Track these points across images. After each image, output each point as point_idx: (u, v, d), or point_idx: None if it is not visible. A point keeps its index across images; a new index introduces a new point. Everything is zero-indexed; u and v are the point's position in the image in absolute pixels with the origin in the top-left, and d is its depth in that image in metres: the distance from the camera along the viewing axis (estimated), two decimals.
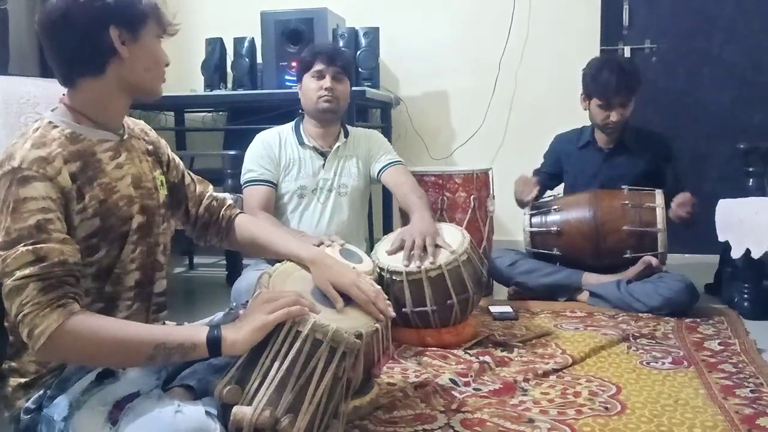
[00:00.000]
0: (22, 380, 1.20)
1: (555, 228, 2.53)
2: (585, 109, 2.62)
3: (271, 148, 2.25)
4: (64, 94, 1.23)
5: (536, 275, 2.54)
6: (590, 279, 2.49)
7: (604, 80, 2.48)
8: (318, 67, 2.20)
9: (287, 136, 2.29)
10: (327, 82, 2.19)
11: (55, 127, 1.18)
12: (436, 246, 1.96)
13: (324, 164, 2.26)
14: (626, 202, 2.44)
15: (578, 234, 2.50)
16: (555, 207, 2.56)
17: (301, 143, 2.26)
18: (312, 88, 2.21)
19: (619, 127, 2.55)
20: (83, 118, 1.20)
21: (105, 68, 1.18)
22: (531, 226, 2.59)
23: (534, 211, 2.59)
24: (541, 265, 2.56)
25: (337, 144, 2.28)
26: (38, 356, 1.12)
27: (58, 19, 1.15)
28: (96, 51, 1.17)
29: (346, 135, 2.32)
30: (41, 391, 1.18)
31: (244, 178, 2.24)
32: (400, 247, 1.98)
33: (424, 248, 1.94)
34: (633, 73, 2.53)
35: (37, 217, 1.07)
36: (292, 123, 2.34)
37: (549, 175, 2.79)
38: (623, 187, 2.49)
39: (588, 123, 2.70)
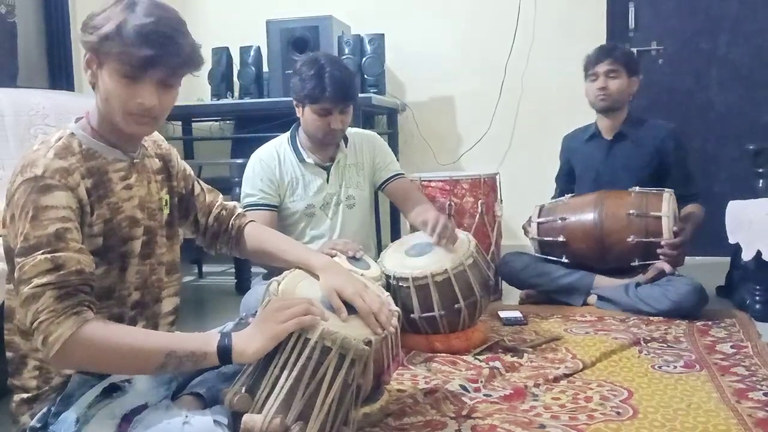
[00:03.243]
0: (25, 395, 1.20)
1: (561, 237, 2.51)
2: (587, 96, 2.64)
3: (270, 169, 2.16)
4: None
5: (549, 278, 2.54)
6: (603, 282, 2.48)
7: (588, 54, 2.63)
8: (324, 105, 2.04)
9: (285, 152, 2.20)
10: (335, 122, 2.07)
11: (76, 139, 1.19)
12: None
13: (328, 178, 2.20)
14: (631, 210, 2.38)
15: (583, 243, 2.47)
16: (561, 216, 2.53)
17: (302, 160, 2.18)
18: (317, 126, 2.09)
19: (610, 98, 2.55)
20: (98, 135, 1.21)
21: (95, 84, 1.19)
22: (539, 235, 2.58)
23: (541, 219, 2.58)
24: (553, 268, 2.55)
25: (338, 156, 2.22)
26: (53, 363, 1.12)
27: None
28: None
29: (346, 143, 2.25)
30: (45, 408, 1.18)
31: (243, 201, 2.14)
32: (424, 224, 2.01)
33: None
34: (617, 47, 2.65)
35: (56, 225, 1.08)
36: (287, 135, 2.23)
37: (567, 177, 2.81)
38: (631, 189, 2.46)
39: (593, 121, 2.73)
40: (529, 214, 2.70)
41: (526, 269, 2.58)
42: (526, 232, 2.67)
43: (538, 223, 2.58)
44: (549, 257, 2.57)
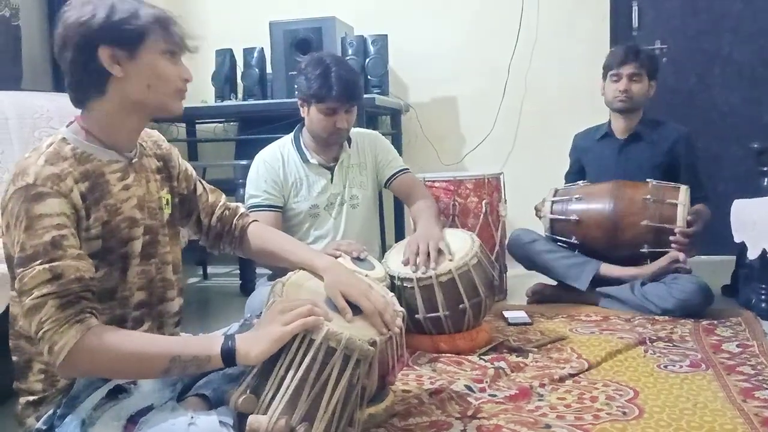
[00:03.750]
0: (31, 398, 1.21)
1: (574, 217, 2.52)
2: (602, 94, 2.66)
3: (274, 170, 2.16)
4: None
5: (555, 256, 2.54)
6: (609, 270, 2.48)
7: (613, 53, 2.65)
8: (331, 104, 2.04)
9: (289, 153, 2.20)
10: (341, 121, 2.07)
11: (68, 144, 1.18)
12: (439, 251, 1.95)
13: (332, 178, 2.21)
14: (648, 196, 2.40)
15: (596, 225, 2.48)
16: (577, 196, 2.55)
17: (305, 161, 2.19)
18: (322, 125, 2.09)
19: (631, 101, 2.56)
20: (94, 138, 1.20)
21: (105, 88, 1.18)
22: (552, 213, 2.58)
23: (556, 198, 2.59)
24: (560, 248, 2.57)
25: (341, 156, 2.22)
26: (60, 372, 1.13)
27: (59, 46, 1.17)
28: (91, 72, 1.16)
29: (349, 143, 2.25)
30: (51, 411, 1.18)
31: (247, 203, 2.15)
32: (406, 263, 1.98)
33: (429, 253, 1.94)
34: (642, 50, 2.63)
35: (52, 233, 1.08)
36: (291, 136, 2.24)
37: (577, 176, 2.82)
38: (649, 180, 2.46)
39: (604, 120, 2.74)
40: (532, 214, 2.70)
41: (535, 243, 2.59)
42: (537, 212, 2.67)
43: (553, 202, 2.59)
44: (558, 237, 2.58)
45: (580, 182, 2.66)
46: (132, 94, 1.19)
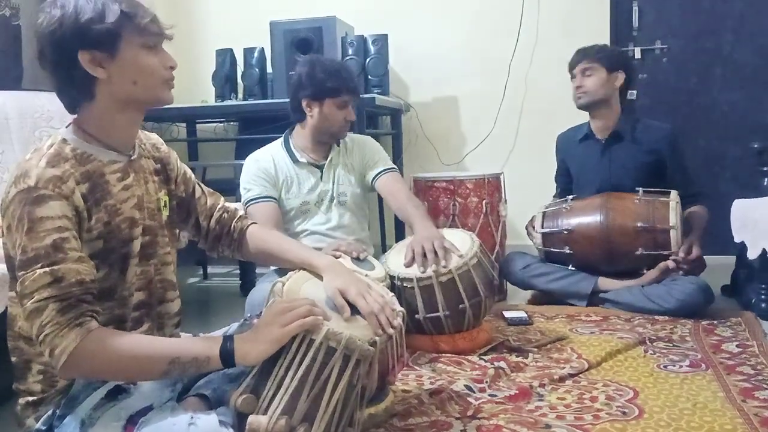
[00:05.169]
0: (30, 399, 1.21)
1: (567, 250, 2.49)
2: None
3: (266, 168, 2.21)
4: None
5: (550, 278, 2.53)
6: (606, 283, 2.47)
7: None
8: (345, 97, 2.18)
9: (279, 155, 2.25)
10: (351, 114, 2.22)
11: (68, 144, 1.18)
12: (446, 249, 1.95)
13: (321, 176, 2.24)
14: (639, 224, 2.37)
15: (591, 254, 2.47)
16: (566, 228, 2.50)
17: (295, 161, 2.23)
18: (336, 119, 2.19)
19: (587, 95, 2.56)
20: (92, 138, 1.20)
21: (93, 92, 1.17)
22: (544, 246, 2.56)
23: (545, 231, 2.55)
24: (554, 268, 2.55)
25: (331, 155, 2.27)
26: (61, 374, 1.13)
27: (38, 56, 1.17)
28: (76, 78, 1.15)
29: (338, 142, 2.30)
30: (50, 411, 1.18)
31: (245, 197, 2.18)
32: (413, 259, 1.97)
33: (435, 253, 1.94)
34: (593, 46, 2.65)
35: (53, 236, 1.08)
36: (280, 141, 2.29)
37: (565, 177, 2.81)
38: (637, 196, 2.42)
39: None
40: (533, 214, 2.69)
41: (528, 268, 2.57)
42: (528, 234, 2.66)
43: (543, 234, 2.55)
44: (555, 264, 2.56)
45: (565, 204, 2.57)
46: (120, 93, 1.18)
